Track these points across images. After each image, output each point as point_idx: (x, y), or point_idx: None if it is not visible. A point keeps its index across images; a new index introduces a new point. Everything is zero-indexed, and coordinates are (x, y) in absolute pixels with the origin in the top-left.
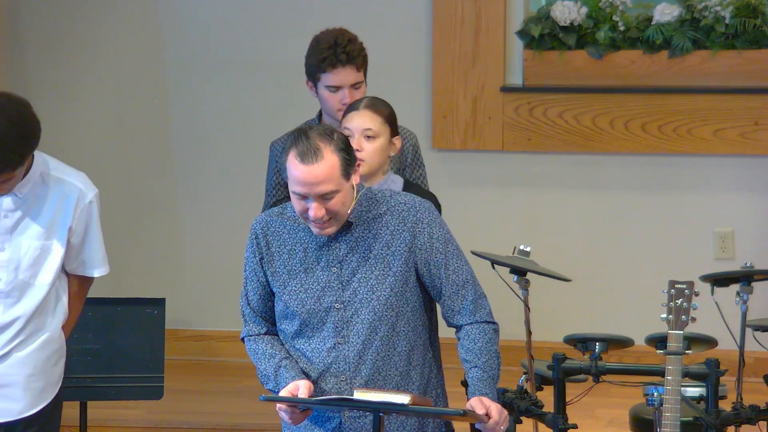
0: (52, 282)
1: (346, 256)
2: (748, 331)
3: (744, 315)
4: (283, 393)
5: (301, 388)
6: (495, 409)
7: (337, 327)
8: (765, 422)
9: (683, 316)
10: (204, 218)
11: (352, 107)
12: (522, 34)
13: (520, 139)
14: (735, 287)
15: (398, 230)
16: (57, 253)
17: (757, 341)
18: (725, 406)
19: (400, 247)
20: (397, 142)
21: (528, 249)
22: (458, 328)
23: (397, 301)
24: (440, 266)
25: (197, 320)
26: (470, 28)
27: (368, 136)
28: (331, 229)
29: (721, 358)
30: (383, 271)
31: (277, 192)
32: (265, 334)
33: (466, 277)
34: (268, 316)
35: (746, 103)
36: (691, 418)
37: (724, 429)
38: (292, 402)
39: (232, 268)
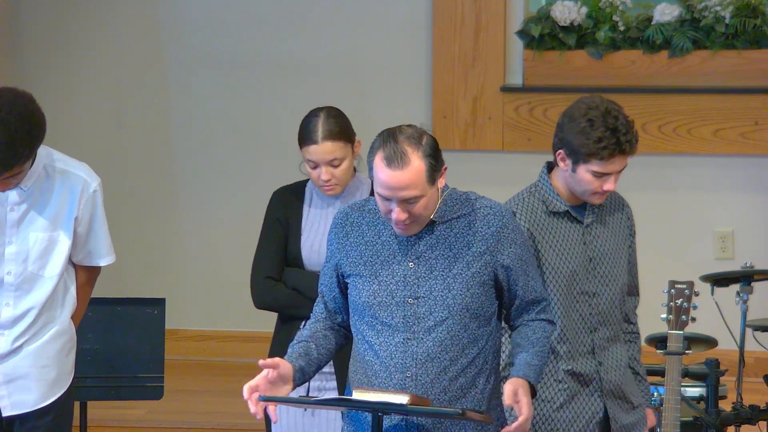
0: (60, 273)
1: (425, 252)
2: (748, 331)
3: (744, 315)
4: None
5: (273, 364)
6: (525, 405)
7: (407, 322)
8: (765, 422)
9: (683, 316)
10: (204, 218)
11: (313, 140)
12: (522, 34)
13: (520, 139)
14: (735, 287)
15: (482, 232)
16: (64, 244)
17: (757, 341)
18: (725, 406)
19: (481, 248)
20: (358, 146)
21: None
22: (521, 322)
23: (472, 302)
24: (520, 274)
25: (197, 320)
26: (470, 28)
27: (335, 165)
28: (413, 230)
29: (721, 358)
30: (461, 270)
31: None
32: (322, 319)
33: (541, 287)
34: (331, 306)
35: (746, 103)
36: (691, 418)
37: (724, 429)
38: (289, 402)
39: (232, 269)
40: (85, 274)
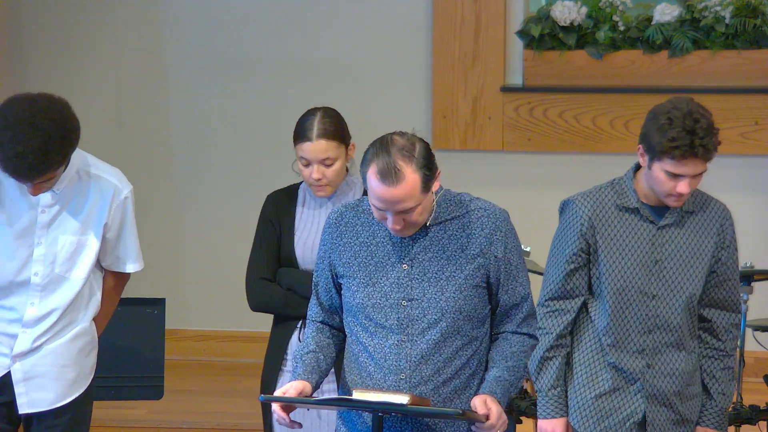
0: (86, 277)
1: (419, 254)
2: (748, 331)
3: (744, 315)
4: (277, 393)
5: (289, 390)
6: (495, 413)
7: (401, 324)
8: (765, 422)
9: None
10: (204, 218)
11: (307, 137)
12: (522, 34)
13: (520, 139)
14: None
15: (475, 234)
16: (92, 248)
17: (757, 341)
18: None
19: (474, 251)
20: (352, 149)
21: (528, 249)
22: (501, 333)
23: (466, 304)
24: (509, 277)
25: (197, 320)
26: (470, 28)
27: (327, 165)
28: (409, 232)
29: None
30: (455, 272)
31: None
32: (321, 322)
33: (528, 291)
34: (327, 306)
35: (746, 103)
36: None
37: None
38: (289, 402)
39: (232, 268)
40: (113, 279)
